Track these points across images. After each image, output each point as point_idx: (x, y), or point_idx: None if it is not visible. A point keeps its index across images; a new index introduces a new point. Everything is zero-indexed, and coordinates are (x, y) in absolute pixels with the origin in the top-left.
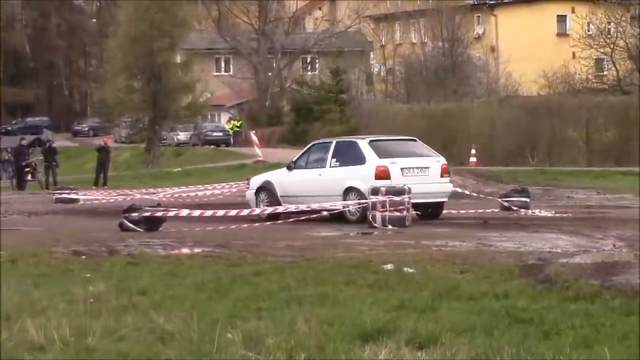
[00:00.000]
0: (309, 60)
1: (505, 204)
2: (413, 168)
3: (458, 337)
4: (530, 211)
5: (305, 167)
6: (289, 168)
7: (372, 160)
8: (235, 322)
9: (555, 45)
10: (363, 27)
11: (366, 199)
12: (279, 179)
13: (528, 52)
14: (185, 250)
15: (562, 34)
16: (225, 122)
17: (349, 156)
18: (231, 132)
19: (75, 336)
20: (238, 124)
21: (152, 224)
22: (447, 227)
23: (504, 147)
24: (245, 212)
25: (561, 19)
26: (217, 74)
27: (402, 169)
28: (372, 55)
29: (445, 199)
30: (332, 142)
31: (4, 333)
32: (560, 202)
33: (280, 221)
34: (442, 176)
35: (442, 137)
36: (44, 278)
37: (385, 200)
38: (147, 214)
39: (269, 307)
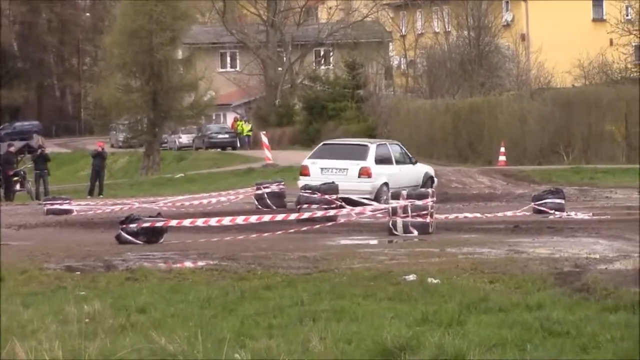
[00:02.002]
0: (322, 54)
1: (538, 206)
2: None
3: (487, 352)
4: (565, 214)
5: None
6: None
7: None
8: (244, 342)
9: (591, 32)
10: (381, 16)
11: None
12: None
13: (561, 40)
14: (189, 264)
15: (599, 19)
16: (231, 122)
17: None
18: (243, 133)
19: None
20: (248, 128)
21: (152, 235)
22: (474, 232)
23: (536, 144)
24: (253, 218)
25: (597, 3)
26: (223, 70)
27: None
28: (391, 47)
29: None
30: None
31: None
32: (598, 203)
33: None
34: None
35: (469, 134)
36: (34, 297)
37: (407, 205)
38: (147, 224)
39: (281, 324)
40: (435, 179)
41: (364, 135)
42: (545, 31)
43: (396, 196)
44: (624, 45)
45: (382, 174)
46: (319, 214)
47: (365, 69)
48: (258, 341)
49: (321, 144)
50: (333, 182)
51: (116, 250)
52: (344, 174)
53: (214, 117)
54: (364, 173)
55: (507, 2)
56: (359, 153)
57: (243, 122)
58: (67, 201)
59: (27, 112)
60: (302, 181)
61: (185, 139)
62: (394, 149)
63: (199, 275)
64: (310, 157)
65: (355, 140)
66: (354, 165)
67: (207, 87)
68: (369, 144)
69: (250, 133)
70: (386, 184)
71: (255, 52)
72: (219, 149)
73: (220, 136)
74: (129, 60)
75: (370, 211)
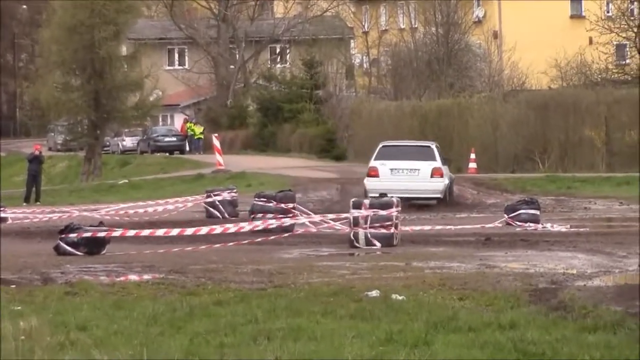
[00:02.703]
0: (278, 51)
1: (511, 218)
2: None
3: None
4: (540, 226)
5: None
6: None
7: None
8: None
9: (569, 30)
10: (342, 10)
11: None
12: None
13: (537, 38)
14: (133, 277)
15: (577, 16)
16: (180, 124)
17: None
18: (195, 136)
19: None
20: (200, 131)
21: (93, 246)
22: (442, 245)
23: (509, 151)
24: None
25: None
26: (170, 68)
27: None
28: (352, 44)
29: None
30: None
31: None
32: (576, 214)
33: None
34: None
35: (437, 139)
36: None
37: (369, 215)
38: (88, 234)
39: (233, 343)
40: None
41: (322, 140)
42: (519, 28)
43: (358, 205)
44: (604, 44)
45: (447, 174)
46: (275, 224)
47: (325, 67)
48: None
49: (380, 145)
50: (290, 190)
51: (54, 261)
52: (416, 174)
53: (160, 119)
54: (437, 173)
55: None
56: (427, 153)
57: (194, 124)
58: (2, 209)
59: None
60: (371, 183)
61: (129, 141)
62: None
63: (144, 289)
64: (377, 159)
65: (414, 142)
66: (426, 166)
67: (154, 86)
68: (431, 145)
69: (201, 136)
70: (451, 183)
71: (206, 48)
72: (166, 153)
73: (167, 139)
74: (69, 56)
75: (331, 220)
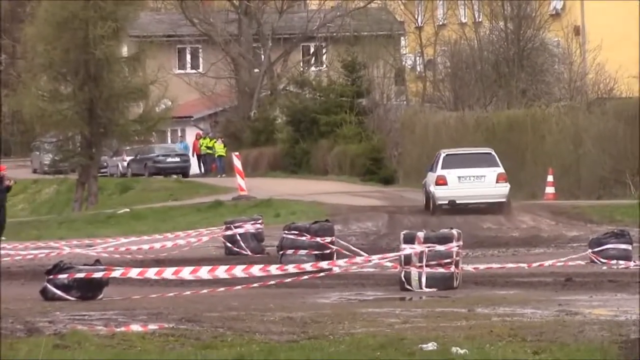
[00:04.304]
0: (312, 51)
1: (597, 254)
2: None
3: None
4: (632, 264)
5: None
6: None
7: None
8: None
9: None
10: (390, 1)
11: None
12: None
13: (627, 34)
14: (137, 327)
15: None
16: (191, 140)
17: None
18: (216, 154)
19: None
20: (221, 147)
21: (88, 289)
22: (514, 287)
23: (595, 172)
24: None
25: None
26: (181, 71)
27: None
28: (403, 42)
29: None
30: None
31: None
32: None
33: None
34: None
35: (505, 157)
36: None
37: (425, 251)
38: (81, 275)
39: None
40: None
41: (366, 160)
42: (606, 23)
43: (410, 239)
44: None
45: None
46: (309, 264)
47: (369, 71)
48: None
49: (444, 154)
50: (327, 221)
51: (41, 308)
52: (482, 181)
53: (169, 134)
54: (502, 178)
55: None
56: (489, 160)
57: (215, 141)
58: None
59: None
60: (440, 191)
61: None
62: None
63: (150, 342)
64: (443, 168)
65: (473, 149)
66: (491, 172)
67: (161, 94)
68: (491, 151)
69: (223, 153)
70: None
71: (224, 48)
72: (173, 176)
73: (169, 160)
74: (58, 58)
75: (378, 259)
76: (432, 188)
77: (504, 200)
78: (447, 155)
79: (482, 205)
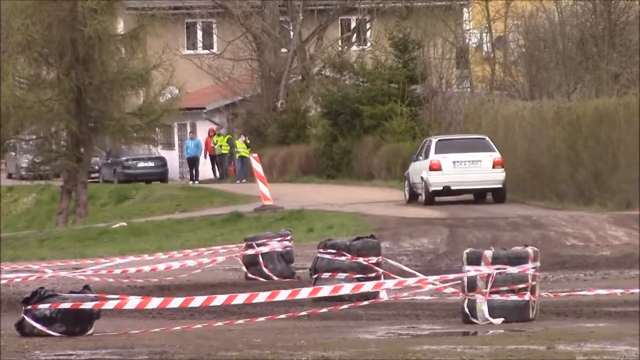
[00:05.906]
0: (353, 26)
1: None
2: None
3: None
4: None
5: None
6: None
7: None
8: None
9: None
10: None
11: None
12: None
13: None
14: None
15: None
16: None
17: None
18: (238, 155)
19: None
20: (244, 147)
21: (75, 323)
22: (603, 319)
23: None
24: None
25: None
26: (191, 52)
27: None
28: (466, 16)
29: None
30: None
31: None
32: None
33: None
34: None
35: (594, 158)
36: None
37: (493, 274)
38: (67, 305)
39: None
40: None
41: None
42: None
43: (475, 260)
44: None
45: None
46: (348, 288)
47: (425, 51)
48: None
49: (436, 139)
50: (372, 237)
51: (17, 346)
52: (478, 166)
53: (176, 129)
54: (498, 163)
55: None
56: (484, 145)
57: (236, 138)
58: None
59: None
60: (433, 176)
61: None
62: None
63: None
64: (437, 153)
65: (467, 135)
66: (487, 157)
67: (166, 81)
68: (485, 137)
69: (247, 154)
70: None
71: (244, 22)
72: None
73: (141, 164)
74: (39, 36)
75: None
76: (425, 174)
77: (500, 186)
78: (439, 140)
79: (477, 192)
